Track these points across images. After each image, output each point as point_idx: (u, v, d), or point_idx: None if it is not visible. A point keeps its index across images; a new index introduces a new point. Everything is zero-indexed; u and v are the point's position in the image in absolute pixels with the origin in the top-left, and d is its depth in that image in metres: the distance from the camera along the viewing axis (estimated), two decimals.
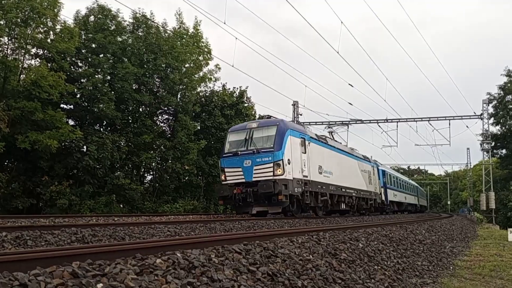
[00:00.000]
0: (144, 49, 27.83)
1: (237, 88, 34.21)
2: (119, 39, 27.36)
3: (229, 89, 33.89)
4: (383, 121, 36.03)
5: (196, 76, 31.05)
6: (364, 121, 36.26)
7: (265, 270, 4.32)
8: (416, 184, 56.09)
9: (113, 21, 27.44)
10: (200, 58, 31.30)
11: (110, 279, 3.13)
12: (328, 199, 19.27)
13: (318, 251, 5.74)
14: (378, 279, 5.72)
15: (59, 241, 6.78)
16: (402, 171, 69.14)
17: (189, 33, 30.79)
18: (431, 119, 35.45)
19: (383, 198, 30.61)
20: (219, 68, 32.41)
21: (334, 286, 4.79)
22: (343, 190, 21.68)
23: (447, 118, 35.05)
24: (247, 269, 4.24)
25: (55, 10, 22.81)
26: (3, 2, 20.83)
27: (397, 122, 35.76)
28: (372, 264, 6.34)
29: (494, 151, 45.87)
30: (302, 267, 4.85)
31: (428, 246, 10.21)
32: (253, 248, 4.92)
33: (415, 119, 35.53)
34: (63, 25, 23.70)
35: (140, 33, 28.70)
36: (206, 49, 31.18)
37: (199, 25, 30.76)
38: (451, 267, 9.07)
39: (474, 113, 36.75)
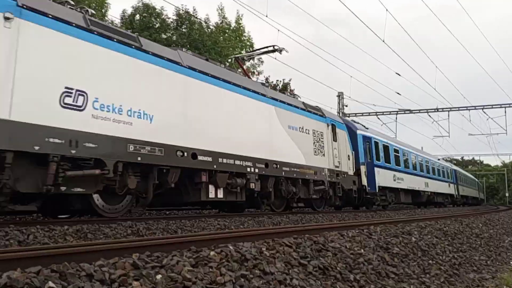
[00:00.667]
0: (188, 45, 28.32)
1: (280, 81, 34.15)
2: (164, 36, 27.99)
3: (272, 82, 33.89)
4: (433, 110, 34.78)
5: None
6: (413, 111, 35.15)
7: (316, 264, 4.33)
8: (457, 168, 45.46)
9: (158, 19, 28.09)
10: (242, 52, 31.46)
11: (168, 271, 3.25)
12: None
13: (370, 245, 5.67)
14: (434, 274, 5.59)
15: (116, 234, 7.07)
16: (455, 162, 66.52)
17: (232, 28, 31.01)
18: (485, 107, 33.87)
19: (365, 182, 18.97)
20: (262, 62, 32.47)
21: (387, 281, 4.72)
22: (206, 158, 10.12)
23: (502, 105, 33.32)
24: (298, 262, 4.27)
25: (103, 10, 23.65)
26: None
27: (449, 111, 34.42)
28: (427, 259, 6.19)
29: None
30: (354, 261, 4.82)
31: (486, 240, 9.83)
32: (303, 241, 4.93)
33: (468, 108, 34.07)
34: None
35: (183, 30, 29.21)
36: (248, 43, 31.31)
37: (241, 19, 30.94)
38: (511, 262, 8.71)
39: None
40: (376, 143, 21.05)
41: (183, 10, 28.67)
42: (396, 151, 23.82)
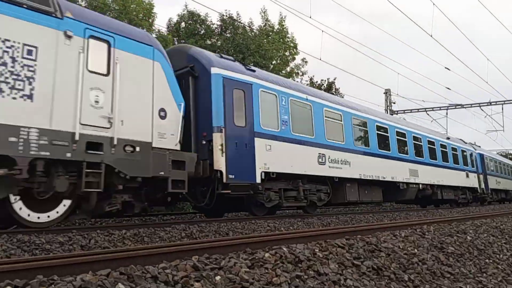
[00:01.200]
0: (232, 50, 28.73)
1: (325, 80, 33.94)
2: (209, 42, 28.52)
3: (317, 82, 33.74)
4: (486, 104, 33.42)
5: (283, 71, 31.39)
6: (465, 106, 33.94)
7: (369, 264, 4.37)
8: (485, 153, 31.34)
9: (203, 25, 28.68)
10: (286, 53, 31.55)
11: (226, 272, 3.41)
12: None
13: (423, 244, 5.62)
14: (491, 273, 5.46)
15: (171, 237, 7.35)
16: (511, 156, 63.17)
17: (275, 30, 31.16)
18: None
19: (223, 164, 9.95)
20: (306, 62, 32.44)
21: (443, 281, 4.68)
22: None
23: None
24: (351, 263, 4.32)
25: (150, 20, 24.44)
26: None
27: (502, 104, 32.97)
28: (483, 258, 6.05)
29: None
30: (407, 261, 4.81)
31: None
32: (356, 242, 4.97)
33: None
34: (157, 33, 25.30)
35: (228, 35, 29.65)
36: (292, 44, 31.35)
37: (284, 20, 31.02)
38: None
39: None
40: (261, 93, 11.41)
41: (226, 16, 29.13)
42: (330, 113, 14.08)
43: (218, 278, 3.29)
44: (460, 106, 33.82)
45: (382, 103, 35.57)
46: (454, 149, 24.20)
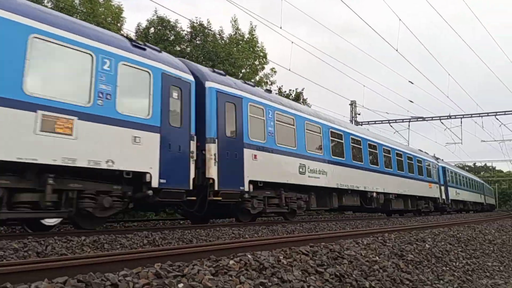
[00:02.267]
0: (202, 57, 28.64)
1: (293, 90, 34.28)
2: (178, 48, 28.32)
3: (285, 91, 34.05)
4: (446, 117, 34.61)
5: (252, 80, 31.53)
6: (426, 119, 35.03)
7: (332, 271, 4.43)
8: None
9: (172, 32, 28.47)
10: (256, 62, 31.71)
11: (189, 279, 3.37)
12: None
13: (384, 252, 5.75)
14: (447, 280, 5.64)
15: (132, 244, 7.21)
16: (467, 168, 65.67)
17: (245, 39, 31.30)
18: (497, 113, 33.60)
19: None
20: (275, 72, 32.70)
21: (402, 287, 4.80)
22: None
23: None
24: (315, 270, 4.37)
25: (119, 24, 24.07)
26: None
27: (461, 118, 34.24)
28: (440, 265, 6.24)
29: None
30: (369, 268, 4.90)
31: (499, 246, 9.80)
32: (319, 249, 5.04)
33: (481, 115, 33.84)
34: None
35: (197, 42, 29.55)
36: (261, 53, 31.56)
37: (254, 30, 31.22)
38: None
39: None
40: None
41: (197, 23, 29.05)
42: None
43: (181, 285, 3.26)
44: (421, 119, 34.88)
45: (347, 114, 36.26)
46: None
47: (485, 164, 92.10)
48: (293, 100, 33.44)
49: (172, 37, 28.45)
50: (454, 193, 32.89)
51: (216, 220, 14.62)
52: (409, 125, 34.34)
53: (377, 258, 5.34)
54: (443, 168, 31.30)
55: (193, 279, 3.39)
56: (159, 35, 27.80)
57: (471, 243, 8.83)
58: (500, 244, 10.14)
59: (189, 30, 29.44)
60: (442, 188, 29.70)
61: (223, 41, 29.89)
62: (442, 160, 33.72)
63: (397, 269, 5.26)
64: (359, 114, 36.00)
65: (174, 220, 16.33)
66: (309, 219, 15.05)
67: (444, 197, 29.71)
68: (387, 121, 35.32)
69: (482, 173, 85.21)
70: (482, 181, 51.31)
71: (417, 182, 24.34)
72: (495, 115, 33.57)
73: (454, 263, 6.66)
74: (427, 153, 29.69)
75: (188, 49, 28.92)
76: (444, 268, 6.18)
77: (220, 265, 3.80)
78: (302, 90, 34.56)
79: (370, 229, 9.52)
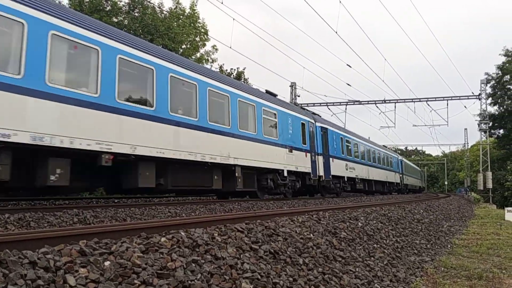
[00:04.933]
0: (140, 30, 27.56)
1: (235, 70, 34.05)
2: (115, 20, 27.05)
3: (227, 70, 33.73)
4: (381, 102, 36.03)
5: (193, 57, 30.87)
6: (362, 102, 36.25)
7: (267, 248, 4.40)
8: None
9: (109, 1, 27.13)
10: (197, 39, 31.06)
11: (117, 257, 3.19)
12: None
13: (318, 230, 5.83)
14: (378, 257, 5.82)
15: (61, 223, 6.85)
16: (399, 151, 69.27)
17: (186, 14, 30.49)
18: (429, 99, 35.45)
19: None
20: (216, 49, 32.22)
21: (335, 264, 4.88)
22: None
23: (445, 98, 35.06)
24: (249, 247, 4.31)
25: None
26: None
27: (395, 103, 35.79)
28: (372, 243, 6.44)
29: (492, 131, 46.11)
30: (303, 245, 4.94)
31: (426, 225, 10.36)
32: (255, 227, 4.99)
33: (413, 100, 35.54)
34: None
35: (136, 14, 28.39)
36: (203, 30, 30.93)
37: (195, 5, 30.45)
38: (449, 246, 9.23)
39: (472, 93, 36.76)
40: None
41: None
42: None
43: (107, 263, 3.07)
44: (358, 103, 36.03)
45: (288, 96, 36.67)
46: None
47: (416, 148, 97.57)
48: (235, 79, 33.34)
49: (109, 8, 27.11)
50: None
51: None
52: (346, 108, 35.43)
53: (311, 235, 5.39)
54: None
55: (121, 257, 3.20)
56: (94, 4, 26.37)
57: (401, 222, 9.24)
58: (427, 223, 10.71)
59: (127, 1, 28.22)
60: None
61: (162, 15, 28.94)
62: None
63: (330, 246, 5.35)
64: (299, 96, 36.57)
65: (108, 198, 15.79)
66: (247, 199, 15.11)
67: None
68: (325, 104, 36.14)
69: (413, 157, 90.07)
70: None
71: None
72: (426, 101, 35.38)
73: (384, 241, 6.91)
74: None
75: (126, 21, 27.72)
76: (375, 245, 6.38)
77: (151, 242, 3.63)
78: (244, 69, 34.43)
79: (305, 208, 9.68)
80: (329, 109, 36.12)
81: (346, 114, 35.56)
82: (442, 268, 6.64)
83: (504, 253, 8.52)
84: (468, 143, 62.80)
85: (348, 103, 35.65)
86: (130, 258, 3.20)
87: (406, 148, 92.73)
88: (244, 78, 34.59)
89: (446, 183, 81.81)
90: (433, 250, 8.19)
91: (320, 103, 36.69)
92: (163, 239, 3.79)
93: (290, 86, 37.00)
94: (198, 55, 31.62)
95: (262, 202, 13.29)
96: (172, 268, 3.30)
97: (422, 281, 5.71)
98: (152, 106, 10.37)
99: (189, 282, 3.22)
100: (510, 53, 44.10)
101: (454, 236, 10.87)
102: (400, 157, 42.35)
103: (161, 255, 3.45)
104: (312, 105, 37.15)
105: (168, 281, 3.14)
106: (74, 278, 2.80)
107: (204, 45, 31.57)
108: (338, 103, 36.11)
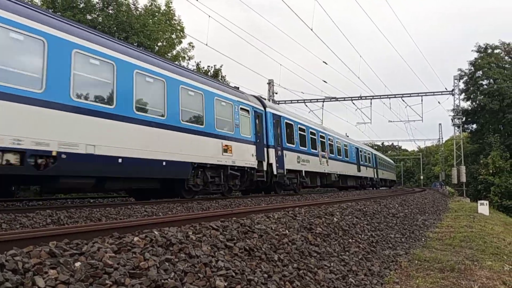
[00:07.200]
0: (115, 28, 27.15)
1: (212, 67, 33.88)
2: (89, 17, 26.59)
3: (203, 67, 33.54)
4: (357, 98, 36.47)
5: (169, 54, 30.58)
6: (339, 99, 36.60)
7: (242, 246, 4.41)
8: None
9: None
10: (173, 36, 30.77)
11: (88, 258, 3.15)
12: None
13: (294, 226, 5.86)
14: (353, 252, 5.90)
15: (34, 224, 6.71)
16: (376, 147, 70.20)
17: (161, 11, 30.18)
18: (404, 95, 36.04)
19: None
20: (193, 47, 31.98)
21: (310, 259, 4.92)
22: None
23: (419, 94, 35.72)
24: (224, 245, 4.31)
25: None
26: None
27: (371, 99, 36.29)
28: (347, 238, 6.52)
29: (465, 126, 47.19)
30: (279, 241, 4.96)
31: (401, 219, 10.53)
32: (230, 224, 4.99)
33: (389, 96, 36.07)
34: (29, 2, 22.87)
35: (110, 11, 27.95)
36: (179, 27, 30.67)
37: (171, 2, 30.17)
38: (423, 239, 9.41)
39: (446, 89, 37.52)
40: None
41: None
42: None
43: (78, 264, 3.02)
44: (334, 99, 36.36)
45: (265, 93, 36.73)
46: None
47: (392, 143, 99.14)
48: (212, 77, 33.17)
49: (82, 5, 26.62)
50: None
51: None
52: (323, 105, 35.71)
53: (286, 231, 5.42)
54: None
55: (92, 257, 3.16)
56: (67, 1, 25.85)
57: (376, 216, 9.36)
58: (402, 218, 10.88)
59: None
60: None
61: (137, 12, 28.58)
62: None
63: (305, 242, 5.39)
64: (276, 93, 36.64)
65: (83, 198, 15.55)
66: (223, 197, 15.08)
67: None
68: (302, 101, 36.36)
69: (389, 152, 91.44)
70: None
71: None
72: (401, 97, 35.96)
73: (360, 236, 6.99)
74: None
75: (100, 18, 27.27)
76: (350, 240, 6.46)
77: (124, 242, 3.59)
78: (221, 66, 34.28)
79: (282, 204, 9.73)
80: (306, 105, 36.37)
81: (323, 111, 35.82)
82: (416, 261, 6.77)
83: (476, 245, 8.73)
84: (442, 138, 64.14)
85: (325, 100, 35.95)
86: (102, 259, 3.17)
87: (382, 143, 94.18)
88: (221, 76, 34.48)
89: (421, 177, 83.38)
90: (407, 244, 8.34)
91: (298, 100, 36.90)
92: (136, 238, 3.76)
93: (267, 83, 37.04)
94: (174, 52, 31.35)
95: (240, 200, 13.29)
96: (145, 268, 3.28)
97: (396, 275, 5.81)
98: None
99: (162, 281, 3.20)
100: (482, 49, 45.18)
101: (428, 229, 11.09)
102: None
103: (133, 255, 3.42)
104: (290, 102, 37.34)
105: (141, 281, 3.12)
106: (43, 280, 2.75)
107: (180, 42, 31.32)
108: (315, 100, 36.39)
